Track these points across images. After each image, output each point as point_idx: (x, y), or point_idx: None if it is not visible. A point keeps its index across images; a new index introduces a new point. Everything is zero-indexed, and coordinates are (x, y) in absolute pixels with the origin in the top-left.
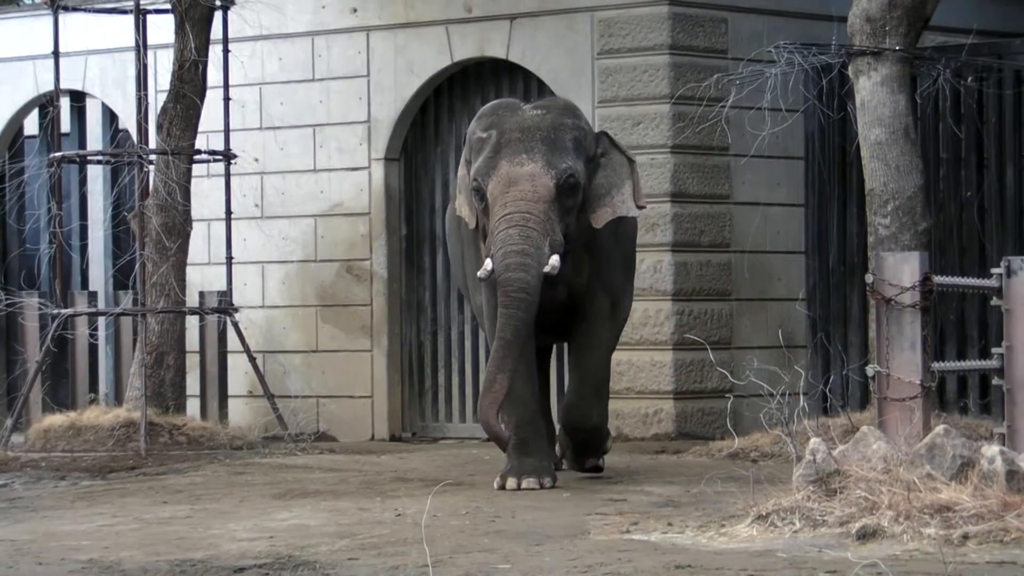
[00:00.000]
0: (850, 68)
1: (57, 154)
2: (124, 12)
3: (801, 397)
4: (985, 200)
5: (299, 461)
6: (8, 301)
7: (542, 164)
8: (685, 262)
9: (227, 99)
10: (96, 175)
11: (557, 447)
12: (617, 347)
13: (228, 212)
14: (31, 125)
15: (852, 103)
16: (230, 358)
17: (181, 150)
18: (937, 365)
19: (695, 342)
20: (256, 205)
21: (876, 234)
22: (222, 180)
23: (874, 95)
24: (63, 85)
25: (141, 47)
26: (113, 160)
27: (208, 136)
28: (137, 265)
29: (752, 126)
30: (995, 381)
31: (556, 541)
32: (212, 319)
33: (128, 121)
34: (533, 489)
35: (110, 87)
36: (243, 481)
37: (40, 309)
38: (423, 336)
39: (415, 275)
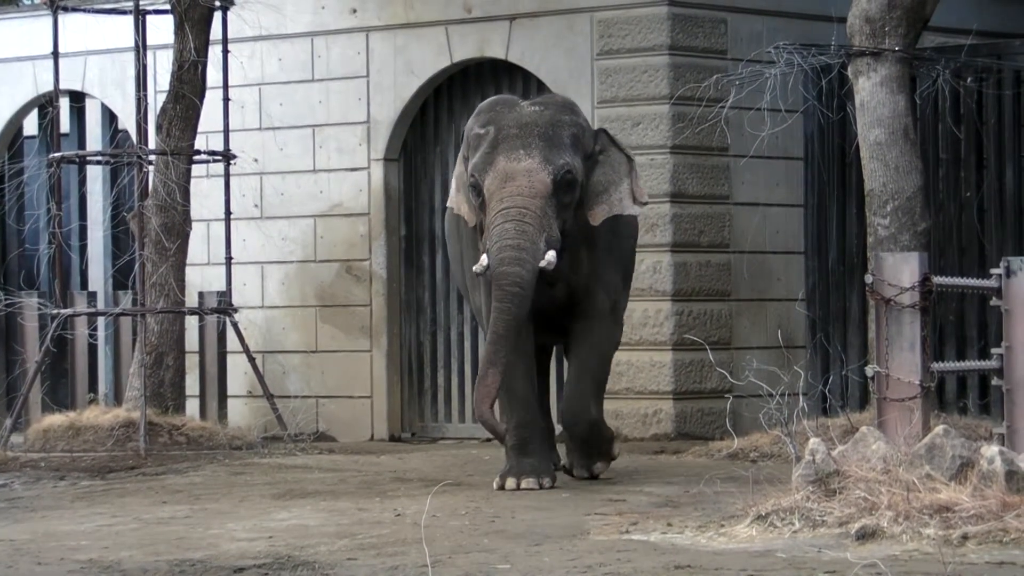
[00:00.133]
0: (849, 69)
1: (56, 154)
2: (123, 12)
3: (800, 397)
4: (984, 200)
5: (298, 461)
6: (8, 301)
7: (539, 160)
8: (684, 262)
9: (226, 99)
10: (95, 175)
11: (564, 458)
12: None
13: (227, 212)
14: (30, 125)
15: (851, 104)
16: (229, 358)
17: (180, 150)
18: (936, 365)
19: (694, 342)
20: (255, 205)
21: (875, 234)
22: (221, 180)
23: (873, 96)
24: (63, 85)
25: (140, 47)
26: (112, 160)
27: (208, 136)
28: (136, 265)
29: (752, 126)
30: (994, 381)
31: (555, 541)
32: (211, 319)
33: (127, 121)
34: (532, 489)
35: (109, 87)
36: (242, 481)
37: (39, 309)
38: (422, 336)
39: (414, 275)
